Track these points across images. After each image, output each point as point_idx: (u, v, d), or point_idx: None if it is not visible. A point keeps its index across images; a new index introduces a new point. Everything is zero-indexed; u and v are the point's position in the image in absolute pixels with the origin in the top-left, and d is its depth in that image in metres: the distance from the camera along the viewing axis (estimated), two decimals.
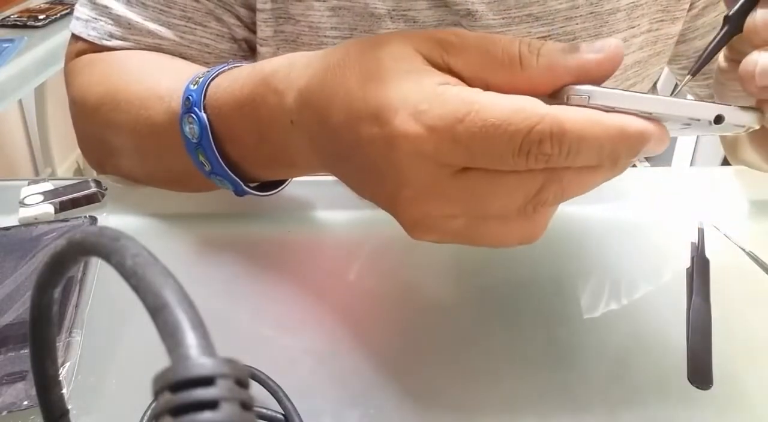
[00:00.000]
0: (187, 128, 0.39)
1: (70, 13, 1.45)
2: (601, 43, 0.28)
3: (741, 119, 0.27)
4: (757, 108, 0.28)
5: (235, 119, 0.38)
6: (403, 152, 0.28)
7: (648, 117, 0.27)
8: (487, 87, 0.28)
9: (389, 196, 0.30)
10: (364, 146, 0.29)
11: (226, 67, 0.40)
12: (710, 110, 0.26)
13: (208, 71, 0.40)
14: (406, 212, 0.30)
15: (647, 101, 0.26)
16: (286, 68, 0.35)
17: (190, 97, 0.39)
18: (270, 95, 0.35)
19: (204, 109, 0.38)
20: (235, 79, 0.38)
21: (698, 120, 0.26)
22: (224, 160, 0.39)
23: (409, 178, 0.28)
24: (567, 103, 0.27)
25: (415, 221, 0.30)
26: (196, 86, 0.39)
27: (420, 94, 0.27)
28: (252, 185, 0.42)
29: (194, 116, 0.38)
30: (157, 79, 0.45)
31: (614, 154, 0.27)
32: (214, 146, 0.38)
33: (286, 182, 0.44)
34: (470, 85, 0.28)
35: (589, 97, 0.27)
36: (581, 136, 0.26)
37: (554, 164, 0.27)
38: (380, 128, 0.28)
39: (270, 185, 0.43)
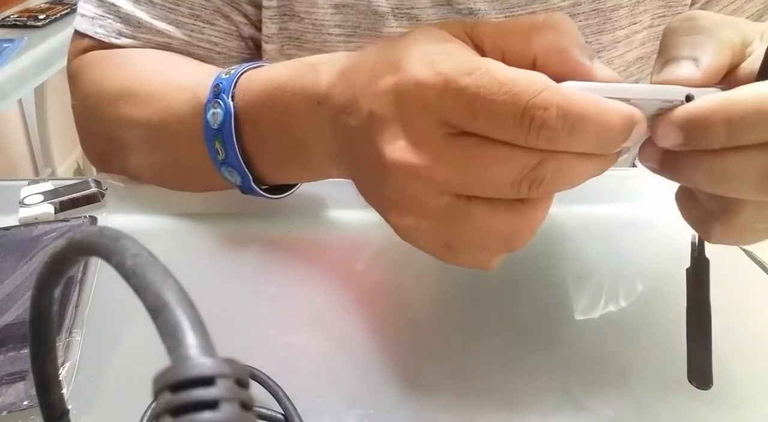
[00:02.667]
0: (210, 113, 0.39)
1: (70, 13, 1.46)
2: (610, 72, 0.29)
3: (707, 93, 0.28)
4: (723, 87, 0.29)
5: (261, 105, 0.38)
6: (409, 98, 0.28)
7: (625, 102, 0.28)
8: (503, 55, 0.29)
9: (383, 154, 0.29)
10: (374, 100, 0.29)
11: (259, 64, 0.41)
12: (681, 91, 0.28)
13: (240, 64, 0.41)
14: (396, 169, 0.28)
15: (626, 90, 0.28)
16: (330, 57, 0.36)
17: (220, 84, 0.39)
18: (308, 75, 0.35)
19: (231, 98, 0.39)
20: (272, 67, 0.39)
21: (671, 102, 0.28)
22: (240, 151, 0.39)
23: (409, 129, 0.28)
24: None
25: (402, 187, 0.29)
26: (227, 76, 0.40)
27: (438, 51, 0.28)
28: (261, 187, 0.42)
29: (221, 102, 0.39)
30: (178, 73, 0.46)
31: (609, 137, 0.27)
32: (233, 134, 0.39)
33: (294, 188, 0.44)
34: (490, 55, 0.29)
35: None
36: (583, 113, 0.26)
37: (555, 143, 0.26)
38: (394, 77, 0.28)
39: (277, 191, 0.43)
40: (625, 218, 0.47)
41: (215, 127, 0.39)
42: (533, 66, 0.28)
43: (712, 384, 0.32)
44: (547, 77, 0.26)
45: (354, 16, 0.51)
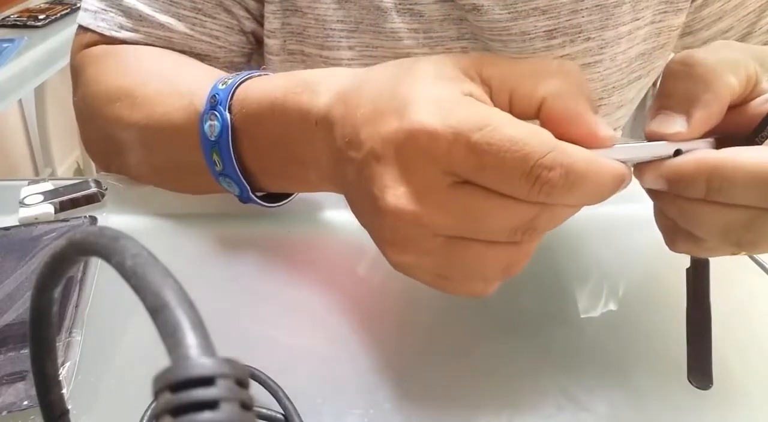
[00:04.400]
0: (207, 125, 0.39)
1: (70, 13, 1.46)
2: (610, 131, 0.29)
3: (697, 146, 0.30)
4: (708, 138, 0.31)
5: (259, 119, 0.38)
6: (416, 147, 0.28)
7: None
8: (510, 98, 0.29)
9: (383, 198, 0.29)
10: (378, 141, 0.29)
11: (256, 73, 0.41)
12: (669, 147, 0.30)
13: (237, 74, 0.41)
14: (396, 215, 0.28)
15: (618, 151, 0.29)
16: (328, 75, 0.36)
17: (217, 95, 0.39)
18: (306, 93, 0.35)
19: (228, 109, 0.39)
20: (269, 80, 0.39)
21: (661, 156, 0.30)
22: (237, 162, 0.39)
23: (412, 177, 0.28)
24: None
25: (400, 231, 0.29)
26: (224, 86, 0.39)
27: (447, 99, 0.28)
28: (258, 194, 0.42)
29: (217, 114, 0.39)
30: (178, 76, 0.46)
31: (600, 194, 0.28)
32: (231, 146, 0.39)
33: (291, 197, 0.44)
34: (497, 94, 0.29)
35: None
36: (584, 173, 0.27)
37: (553, 199, 0.27)
38: (400, 121, 0.28)
39: (275, 199, 0.43)
40: (626, 218, 0.47)
41: (212, 139, 0.39)
42: (539, 109, 0.29)
43: (712, 384, 0.32)
44: (552, 136, 0.27)
45: (356, 12, 0.51)
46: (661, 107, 0.31)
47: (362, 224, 0.32)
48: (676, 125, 0.30)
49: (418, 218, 0.28)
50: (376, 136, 0.29)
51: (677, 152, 0.30)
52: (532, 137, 0.26)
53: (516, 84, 0.29)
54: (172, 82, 0.45)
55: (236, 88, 0.39)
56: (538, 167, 0.26)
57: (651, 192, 0.32)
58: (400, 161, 0.28)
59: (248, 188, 0.40)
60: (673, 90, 0.31)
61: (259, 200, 0.41)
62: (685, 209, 0.30)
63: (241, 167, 0.39)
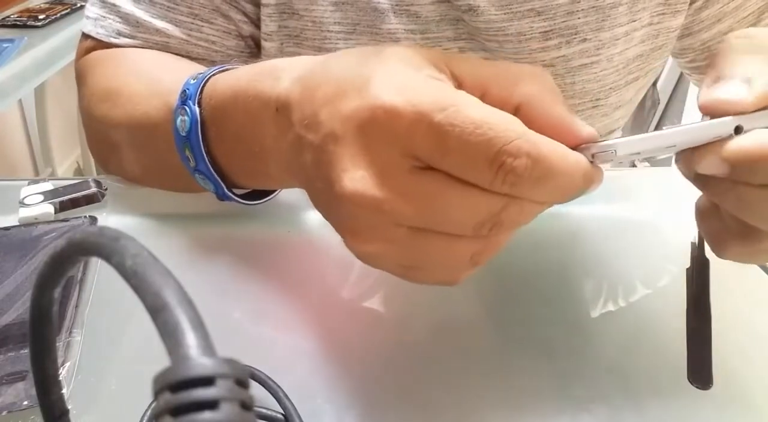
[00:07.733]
0: (178, 120, 0.39)
1: (70, 13, 1.46)
2: (591, 129, 0.28)
3: (761, 122, 0.26)
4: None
5: (225, 110, 0.37)
6: (375, 126, 0.26)
7: (671, 149, 0.27)
8: (482, 95, 0.28)
9: (340, 182, 0.27)
10: (338, 121, 0.27)
11: (228, 67, 0.40)
12: (728, 124, 0.26)
13: (209, 68, 0.40)
14: (355, 201, 0.27)
15: (669, 136, 0.27)
16: (290, 61, 0.35)
17: (187, 90, 0.39)
18: (267, 80, 0.34)
19: (198, 103, 0.38)
20: (236, 71, 0.38)
21: (720, 137, 0.26)
22: (210, 159, 0.39)
23: (371, 159, 0.27)
24: (592, 162, 0.27)
25: (359, 218, 0.27)
26: (195, 81, 0.39)
27: (411, 79, 0.27)
28: (239, 193, 0.41)
29: (187, 108, 0.38)
30: (160, 77, 0.46)
31: (569, 191, 0.26)
32: (201, 141, 0.38)
33: (272, 195, 0.44)
34: (469, 91, 0.28)
35: (615, 151, 0.27)
36: (551, 166, 0.25)
37: (518, 190, 0.26)
38: (360, 99, 0.27)
39: (256, 197, 0.43)
40: (624, 218, 0.47)
41: (183, 134, 0.39)
42: (515, 113, 0.28)
43: (712, 384, 0.32)
44: (522, 124, 0.26)
45: (354, 14, 0.51)
46: (718, 77, 0.27)
47: (323, 215, 0.31)
48: (737, 91, 0.26)
49: (378, 204, 0.26)
50: (336, 116, 0.28)
51: (737, 130, 0.26)
52: (498, 121, 0.25)
53: (489, 85, 0.28)
54: (155, 82, 0.45)
55: (206, 82, 0.38)
56: (503, 153, 0.25)
57: (700, 181, 0.28)
58: (359, 141, 0.27)
59: (222, 184, 0.39)
60: (732, 60, 0.28)
61: (236, 198, 0.41)
62: (746, 196, 0.27)
63: (213, 163, 0.39)
